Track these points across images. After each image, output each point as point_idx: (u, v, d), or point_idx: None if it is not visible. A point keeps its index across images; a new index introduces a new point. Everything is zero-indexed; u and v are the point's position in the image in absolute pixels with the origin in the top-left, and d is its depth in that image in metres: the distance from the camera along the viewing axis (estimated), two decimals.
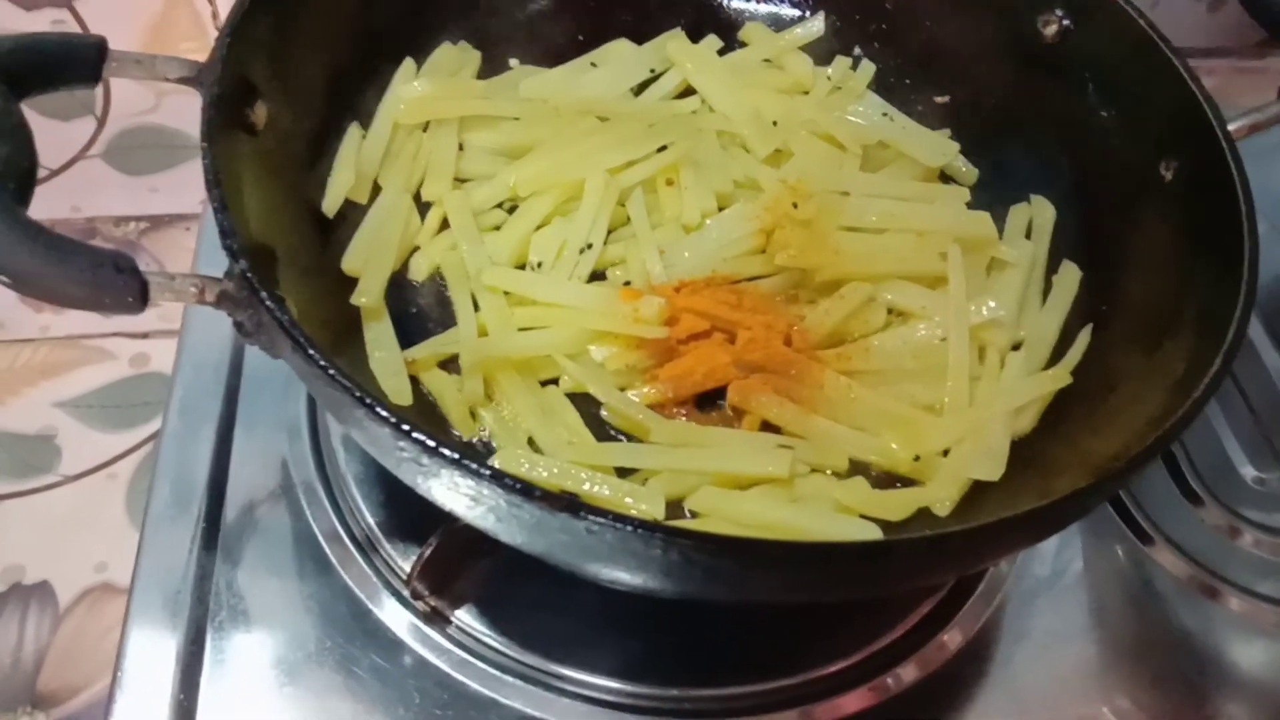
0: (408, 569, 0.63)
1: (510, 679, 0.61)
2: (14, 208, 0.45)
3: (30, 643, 0.97)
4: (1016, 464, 0.62)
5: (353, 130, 0.70)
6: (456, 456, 0.43)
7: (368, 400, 0.43)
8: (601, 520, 0.42)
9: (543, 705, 0.60)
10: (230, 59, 0.55)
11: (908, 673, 0.64)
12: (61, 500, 1.05)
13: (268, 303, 0.46)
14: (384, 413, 0.43)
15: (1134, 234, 0.67)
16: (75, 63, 0.53)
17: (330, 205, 0.66)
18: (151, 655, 0.61)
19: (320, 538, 0.65)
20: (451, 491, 0.45)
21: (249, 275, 0.46)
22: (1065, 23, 0.73)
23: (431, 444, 0.43)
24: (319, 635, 0.62)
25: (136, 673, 0.60)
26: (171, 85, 0.59)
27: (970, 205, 0.74)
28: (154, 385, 1.13)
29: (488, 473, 0.42)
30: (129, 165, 1.18)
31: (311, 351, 0.45)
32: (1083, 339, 0.67)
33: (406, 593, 0.63)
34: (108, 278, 0.45)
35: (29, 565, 1.01)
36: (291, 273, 0.57)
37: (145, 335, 1.16)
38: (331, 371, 0.44)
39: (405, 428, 0.42)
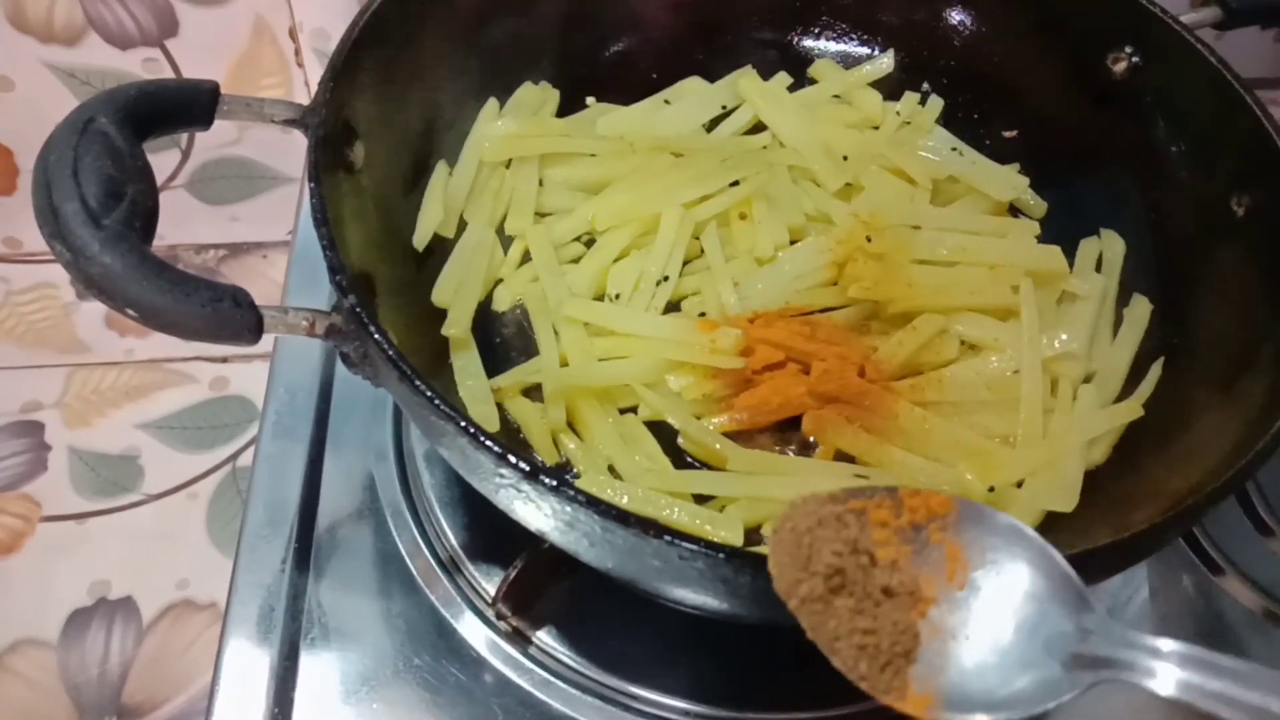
0: (490, 589, 0.65)
1: (589, 699, 0.62)
2: (141, 247, 0.48)
3: (115, 656, 1.00)
4: (1089, 496, 0.62)
5: (440, 168, 0.72)
6: (555, 483, 0.45)
7: (471, 429, 0.45)
8: (694, 547, 0.43)
9: None
10: (333, 102, 0.58)
11: None
12: (145, 518, 1.09)
13: (376, 336, 0.48)
14: (488, 441, 0.45)
15: (1206, 268, 0.68)
16: (192, 106, 0.56)
17: (420, 239, 0.69)
18: (247, 670, 0.63)
19: (406, 558, 0.67)
20: (547, 516, 0.47)
21: (358, 310, 0.49)
22: (1135, 60, 0.74)
23: (531, 471, 0.45)
24: (406, 653, 0.64)
25: (232, 687, 0.63)
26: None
27: (1040, 238, 0.75)
28: (233, 408, 1.17)
29: (584, 499, 0.44)
30: (210, 195, 1.23)
31: (418, 383, 0.47)
32: (1154, 372, 0.67)
33: (490, 613, 0.65)
34: (227, 312, 0.48)
35: (114, 581, 1.05)
36: (386, 303, 0.60)
37: (224, 360, 1.20)
38: (437, 401, 0.46)
39: (510, 457, 0.44)
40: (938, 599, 0.40)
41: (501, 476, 0.47)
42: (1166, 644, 0.36)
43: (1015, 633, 0.39)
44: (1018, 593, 0.40)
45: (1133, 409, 0.65)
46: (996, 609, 0.40)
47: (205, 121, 0.57)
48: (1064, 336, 0.68)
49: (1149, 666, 0.36)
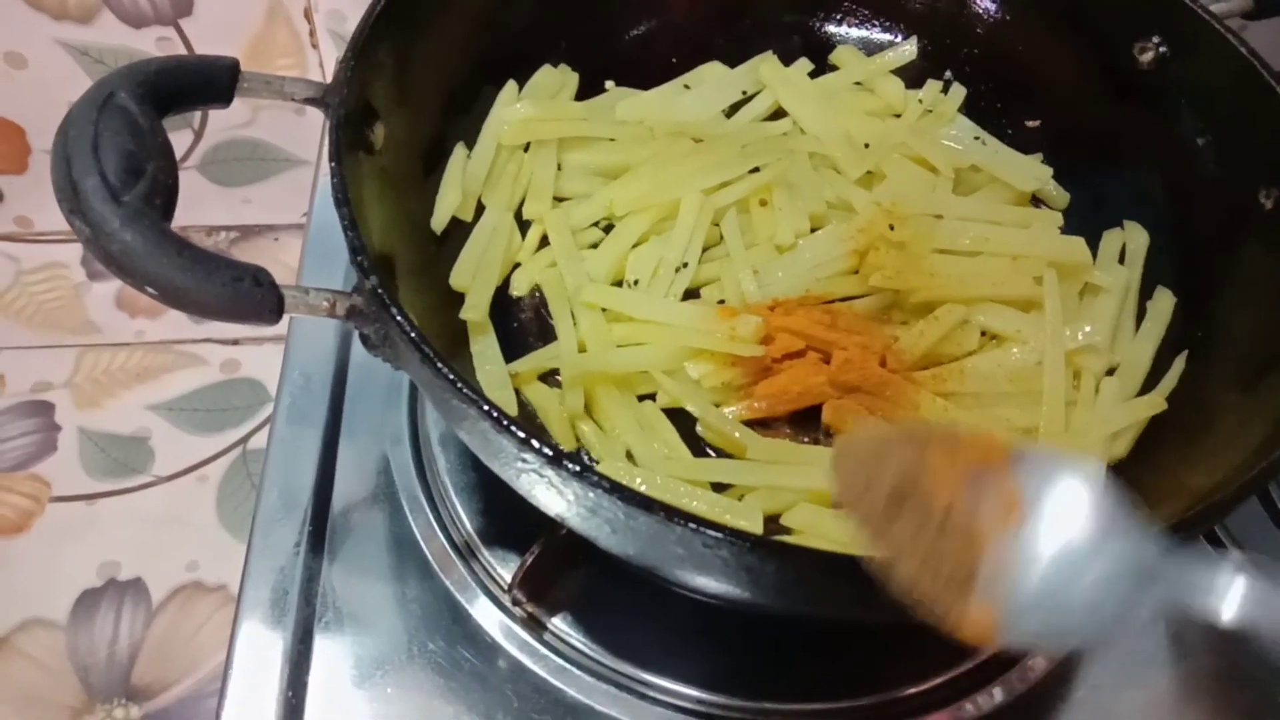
0: (505, 575, 0.65)
1: (604, 686, 0.62)
2: (161, 224, 0.48)
3: (125, 637, 1.00)
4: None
5: (458, 150, 0.72)
6: (578, 469, 0.44)
7: (495, 413, 0.45)
8: (718, 535, 0.43)
9: (636, 713, 0.61)
10: (354, 80, 0.57)
11: (991, 697, 0.64)
12: (155, 500, 1.09)
13: (398, 317, 0.48)
14: (512, 426, 0.44)
15: (1232, 263, 0.67)
16: (212, 84, 0.55)
17: (438, 222, 0.68)
18: (260, 654, 0.63)
19: (421, 543, 0.67)
20: (569, 502, 0.47)
21: (379, 291, 0.48)
22: (1163, 50, 0.73)
23: (554, 456, 0.44)
24: (421, 638, 0.63)
25: (246, 671, 0.62)
26: (266, 101, 0.61)
27: (1062, 229, 0.74)
28: (244, 390, 1.17)
29: (609, 485, 0.44)
30: (222, 177, 1.22)
31: (440, 366, 0.46)
32: (1177, 366, 0.66)
33: (506, 599, 0.64)
34: (247, 291, 0.48)
35: (124, 562, 1.05)
36: (405, 286, 0.60)
37: (236, 342, 1.20)
38: (460, 385, 0.46)
39: (533, 442, 0.44)
40: (995, 541, 0.39)
41: (524, 461, 0.46)
42: (1229, 564, 0.36)
43: (1074, 571, 0.39)
44: (1075, 534, 0.39)
45: (1155, 403, 0.65)
46: (1054, 550, 0.39)
47: (225, 99, 0.56)
48: (1087, 329, 0.67)
49: (1212, 587, 0.36)
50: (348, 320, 0.50)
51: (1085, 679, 0.65)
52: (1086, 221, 0.75)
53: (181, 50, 1.08)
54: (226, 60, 0.56)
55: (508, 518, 0.67)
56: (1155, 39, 0.73)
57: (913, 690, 0.64)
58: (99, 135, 0.48)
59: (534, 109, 0.75)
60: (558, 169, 0.75)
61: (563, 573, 0.64)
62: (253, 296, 0.48)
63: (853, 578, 0.44)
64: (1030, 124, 0.81)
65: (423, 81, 0.67)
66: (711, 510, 0.58)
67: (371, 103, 0.61)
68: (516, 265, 0.72)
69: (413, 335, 0.47)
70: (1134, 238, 0.73)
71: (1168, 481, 0.60)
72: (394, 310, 0.48)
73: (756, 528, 0.58)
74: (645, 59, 0.82)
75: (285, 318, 0.50)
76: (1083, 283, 0.71)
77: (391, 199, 0.63)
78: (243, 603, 0.65)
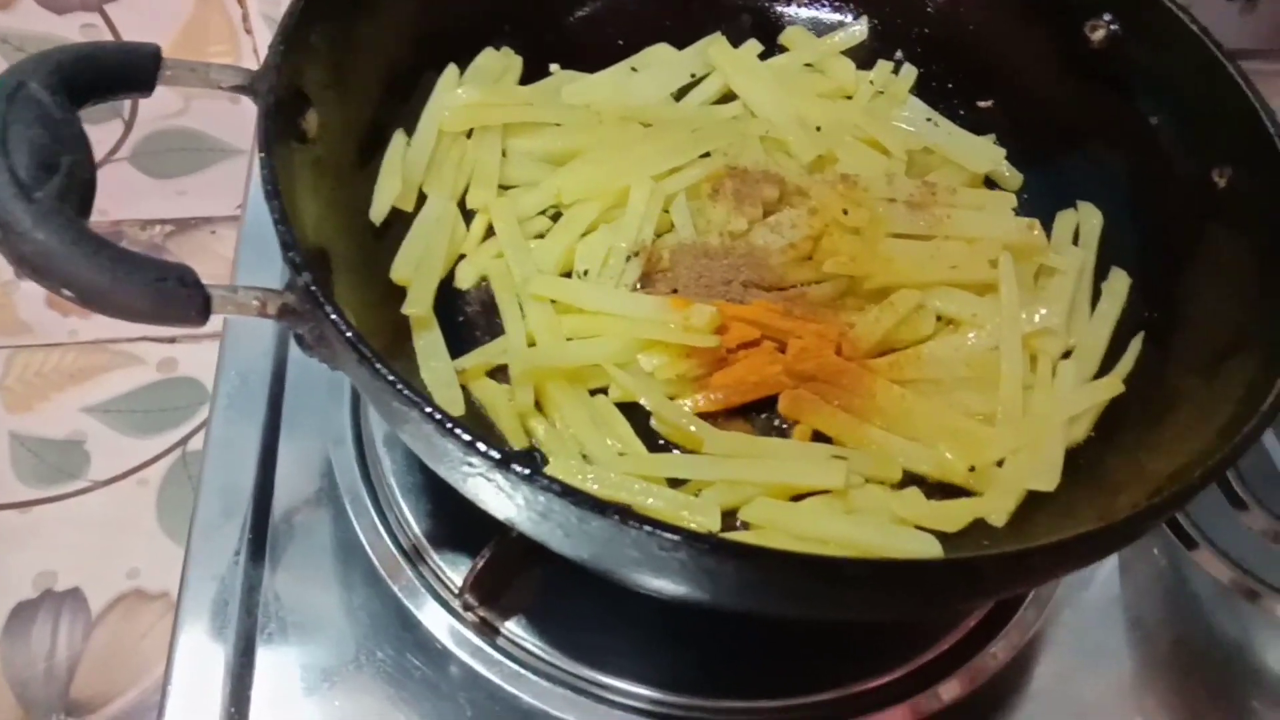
0: (456, 579, 0.63)
1: (561, 690, 0.60)
2: (78, 221, 0.45)
3: (63, 649, 0.96)
4: (1072, 475, 0.61)
5: (397, 137, 0.69)
6: (528, 472, 0.42)
7: (438, 415, 0.43)
8: (675, 538, 0.41)
9: (594, 717, 0.60)
10: (284, 66, 0.55)
11: (952, 688, 0.63)
12: (92, 506, 1.06)
13: (332, 316, 0.45)
14: (455, 429, 0.42)
15: (1189, 243, 0.66)
16: (132, 71, 0.53)
17: (377, 214, 0.66)
18: (200, 669, 0.60)
19: (367, 548, 0.65)
20: (519, 507, 0.45)
21: (313, 289, 0.46)
22: (1114, 28, 0.72)
23: (502, 459, 0.42)
24: (369, 647, 0.61)
25: (185, 688, 0.60)
26: (197, 89, 0.58)
27: (1016, 211, 0.73)
28: (182, 390, 1.13)
29: (559, 488, 0.42)
30: (156, 168, 1.18)
31: (379, 366, 0.44)
32: (1134, 347, 0.66)
33: (457, 604, 0.62)
34: (172, 292, 0.45)
35: (60, 572, 1.01)
36: (343, 281, 0.57)
37: (173, 340, 1.16)
38: (399, 386, 0.44)
39: (479, 444, 0.42)
40: None
41: (470, 465, 0.44)
42: None
43: None
44: None
45: (1113, 385, 0.64)
46: None
47: (147, 87, 0.54)
48: (1043, 311, 0.66)
49: None
50: (280, 320, 0.48)
51: (1046, 667, 0.65)
52: (1040, 203, 0.74)
53: (108, 37, 1.04)
54: (148, 47, 0.53)
55: (457, 519, 0.65)
56: (1106, 17, 0.72)
57: (874, 684, 0.63)
58: (8, 128, 0.45)
59: (477, 93, 0.72)
60: (502, 155, 0.73)
61: (516, 575, 0.62)
62: (177, 297, 0.45)
63: (815, 576, 0.43)
64: (982, 104, 0.80)
65: (359, 66, 0.65)
66: (668, 507, 0.57)
67: (304, 89, 0.58)
68: (461, 256, 0.69)
69: (349, 335, 0.45)
70: (1088, 218, 0.73)
71: (1129, 465, 0.59)
72: (328, 308, 0.46)
73: (714, 523, 0.57)
74: (591, 41, 0.80)
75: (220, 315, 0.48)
76: (1037, 265, 0.70)
77: (327, 190, 0.60)
78: (180, 615, 0.62)
